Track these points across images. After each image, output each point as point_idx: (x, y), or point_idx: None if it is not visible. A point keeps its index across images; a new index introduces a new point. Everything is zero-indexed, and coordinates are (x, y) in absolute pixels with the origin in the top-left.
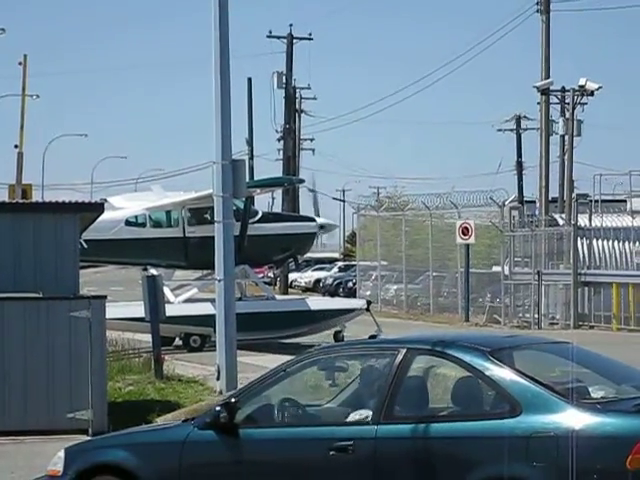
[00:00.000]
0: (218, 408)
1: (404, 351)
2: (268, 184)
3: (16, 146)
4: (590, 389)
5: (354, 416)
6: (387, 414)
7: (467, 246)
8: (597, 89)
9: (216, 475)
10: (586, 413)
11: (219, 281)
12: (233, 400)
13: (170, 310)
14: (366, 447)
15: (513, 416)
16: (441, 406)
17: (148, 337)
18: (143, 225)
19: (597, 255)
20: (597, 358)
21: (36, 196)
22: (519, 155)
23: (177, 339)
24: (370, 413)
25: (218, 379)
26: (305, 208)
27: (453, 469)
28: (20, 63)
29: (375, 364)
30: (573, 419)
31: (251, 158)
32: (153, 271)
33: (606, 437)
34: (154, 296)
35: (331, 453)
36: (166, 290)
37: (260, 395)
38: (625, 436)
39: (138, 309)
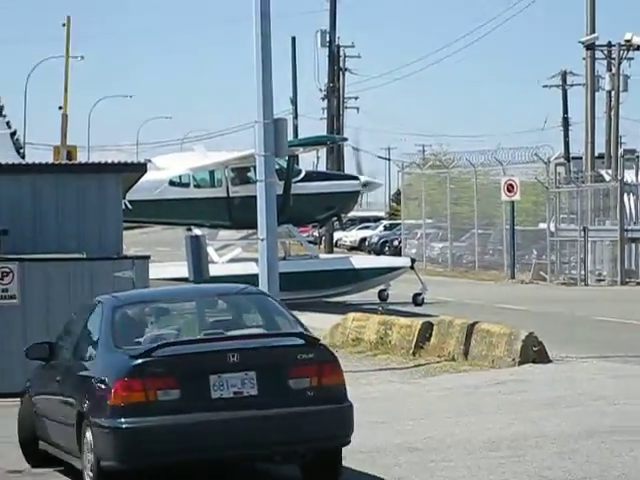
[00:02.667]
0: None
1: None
2: (310, 143)
3: (60, 107)
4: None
5: None
6: None
7: (512, 203)
8: None
9: None
10: (119, 357)
11: (262, 240)
12: None
13: (214, 270)
14: None
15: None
16: None
17: None
18: (187, 185)
19: None
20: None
21: (81, 157)
22: (565, 111)
23: None
24: None
25: None
26: (350, 167)
27: None
28: (64, 25)
29: None
30: (109, 361)
31: (295, 117)
32: (197, 231)
33: (100, 378)
34: (197, 256)
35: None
36: (210, 250)
37: None
38: (111, 376)
39: (182, 269)
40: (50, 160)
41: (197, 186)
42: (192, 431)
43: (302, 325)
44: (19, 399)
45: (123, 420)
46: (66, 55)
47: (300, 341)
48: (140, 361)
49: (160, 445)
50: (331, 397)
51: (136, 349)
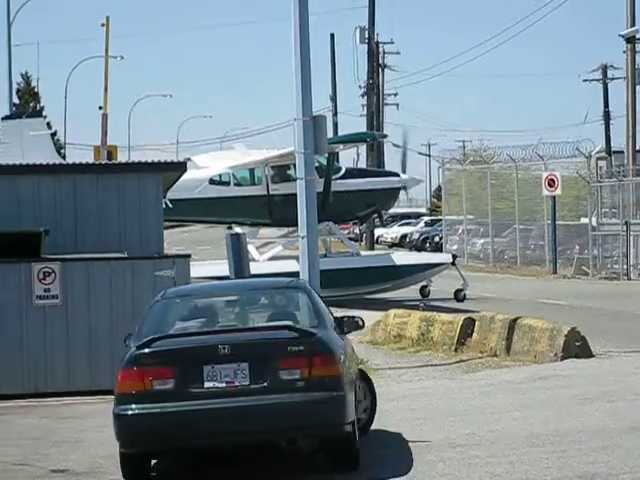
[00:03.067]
0: None
1: None
2: (350, 140)
3: (100, 107)
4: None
5: None
6: None
7: (554, 198)
8: None
9: None
10: (130, 349)
11: (302, 238)
12: None
13: (255, 268)
14: None
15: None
16: None
17: None
18: (227, 184)
19: None
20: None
21: (122, 157)
22: (606, 105)
23: None
24: None
25: None
26: (390, 163)
27: None
28: (103, 25)
29: None
30: (125, 353)
31: (335, 114)
32: (237, 229)
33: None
34: (238, 254)
35: None
36: (251, 248)
37: None
38: (119, 366)
39: (223, 268)
40: (91, 160)
41: (237, 184)
42: (186, 418)
43: (331, 320)
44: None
45: (122, 407)
46: (106, 55)
47: (292, 334)
48: (137, 352)
49: (156, 431)
50: (321, 387)
51: (140, 342)
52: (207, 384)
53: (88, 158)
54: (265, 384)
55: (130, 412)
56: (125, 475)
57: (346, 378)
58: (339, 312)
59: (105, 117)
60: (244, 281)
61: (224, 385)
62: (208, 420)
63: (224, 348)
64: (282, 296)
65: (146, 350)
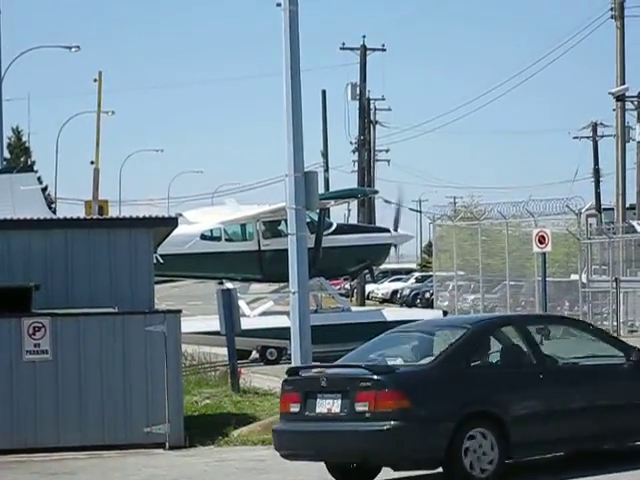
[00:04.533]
0: None
1: None
2: (341, 196)
3: (92, 162)
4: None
5: None
6: None
7: (544, 255)
8: None
9: None
10: None
11: (293, 293)
12: None
13: (246, 323)
14: None
15: None
16: None
17: (225, 350)
18: (218, 239)
19: None
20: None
21: (113, 212)
22: (596, 162)
23: (254, 352)
24: None
25: None
26: (381, 219)
27: None
28: (95, 80)
29: None
30: None
31: (326, 170)
32: (228, 285)
33: None
34: (229, 309)
35: None
36: (242, 303)
37: None
38: None
39: (214, 323)
40: (82, 214)
41: (228, 240)
42: (308, 436)
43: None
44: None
45: (278, 424)
46: (97, 110)
47: (365, 372)
48: (285, 381)
49: (288, 446)
50: (382, 419)
51: None
52: (318, 409)
53: (79, 212)
54: (347, 413)
55: (276, 428)
56: None
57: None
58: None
59: (97, 172)
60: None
61: (325, 411)
62: (313, 440)
63: (324, 380)
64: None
65: (288, 379)
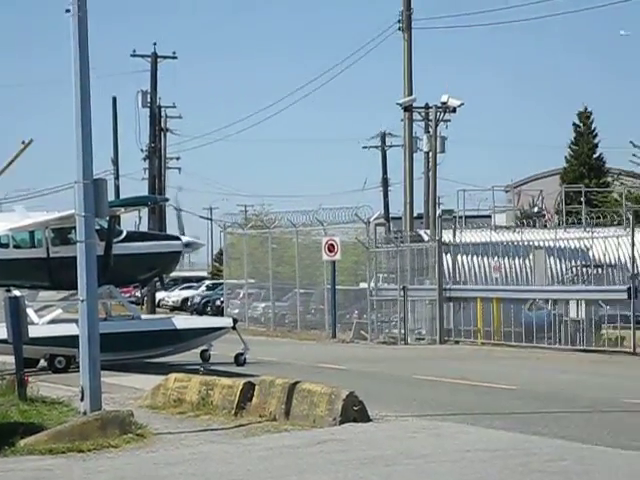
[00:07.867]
0: None
1: None
2: (131, 203)
3: None
4: None
5: None
6: None
7: (333, 263)
8: (459, 105)
9: None
10: None
11: (82, 301)
12: None
13: (34, 331)
14: None
15: None
16: None
17: (12, 359)
18: (6, 246)
19: (461, 270)
20: None
21: None
22: (384, 172)
23: (42, 360)
24: None
25: (82, 400)
26: (172, 227)
27: None
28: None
29: None
30: None
31: (117, 178)
32: (16, 292)
33: None
34: (16, 317)
35: None
36: (30, 311)
37: None
38: None
39: (1, 331)
40: None
41: (17, 247)
42: None
43: None
44: None
45: None
46: None
47: None
48: None
49: None
50: None
51: None
52: None
53: None
54: None
55: None
56: None
57: None
58: (116, 377)
59: None
60: None
61: None
62: None
63: None
64: None
65: None
